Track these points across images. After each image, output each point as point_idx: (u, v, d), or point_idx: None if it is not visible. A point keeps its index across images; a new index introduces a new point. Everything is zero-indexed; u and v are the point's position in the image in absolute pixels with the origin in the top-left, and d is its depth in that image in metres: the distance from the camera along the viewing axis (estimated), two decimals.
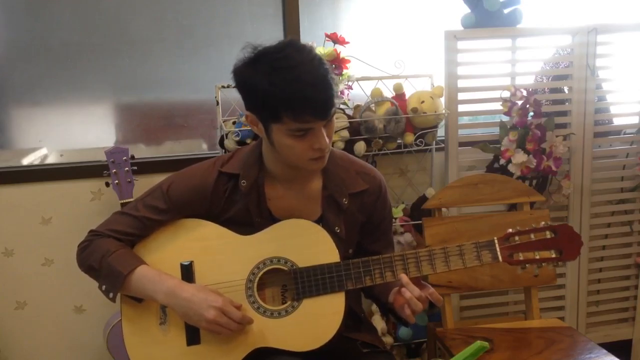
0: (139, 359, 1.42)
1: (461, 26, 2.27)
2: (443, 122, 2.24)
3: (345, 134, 2.11)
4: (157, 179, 1.54)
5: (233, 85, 1.35)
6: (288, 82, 1.23)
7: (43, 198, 2.18)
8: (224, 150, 2.08)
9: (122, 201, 2.03)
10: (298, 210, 1.46)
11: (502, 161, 2.20)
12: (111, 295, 1.40)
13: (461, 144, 2.31)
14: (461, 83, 2.27)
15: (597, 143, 2.43)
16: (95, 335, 2.26)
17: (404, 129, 2.17)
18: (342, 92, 2.13)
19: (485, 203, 2.02)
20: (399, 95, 2.20)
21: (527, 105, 2.17)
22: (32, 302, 2.25)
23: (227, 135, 2.05)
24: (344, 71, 2.10)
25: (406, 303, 1.34)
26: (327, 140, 1.32)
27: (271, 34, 2.30)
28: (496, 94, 2.25)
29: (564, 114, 2.36)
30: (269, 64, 1.26)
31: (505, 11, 2.25)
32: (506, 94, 2.21)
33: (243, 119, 1.85)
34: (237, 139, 2.03)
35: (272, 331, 1.38)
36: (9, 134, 2.26)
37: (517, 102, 2.18)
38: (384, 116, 2.12)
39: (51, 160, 2.28)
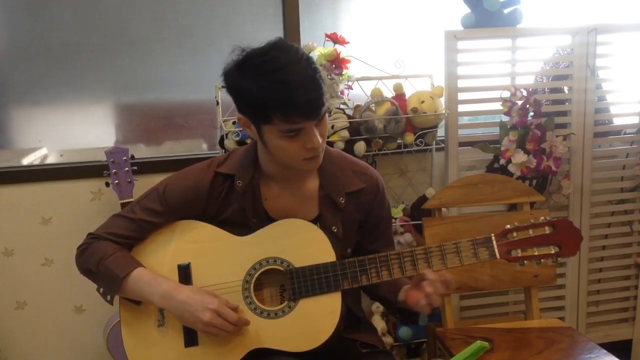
0: None
1: (461, 26, 2.27)
2: (443, 122, 2.24)
3: (345, 134, 2.11)
4: (157, 179, 1.54)
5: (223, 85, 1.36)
6: (275, 84, 1.23)
7: (43, 198, 2.19)
8: (224, 150, 2.08)
9: (122, 201, 2.03)
10: (294, 210, 1.46)
11: (502, 161, 2.20)
12: (109, 297, 1.41)
13: (461, 144, 2.31)
14: (461, 83, 2.27)
15: (597, 143, 2.42)
16: (95, 335, 2.26)
17: (404, 129, 2.17)
18: (342, 92, 2.13)
19: (485, 203, 2.01)
20: (399, 95, 2.20)
21: (527, 105, 2.17)
22: (32, 302, 2.25)
23: (227, 135, 2.05)
24: (344, 71, 2.10)
25: (424, 296, 1.34)
26: (320, 139, 1.31)
27: (271, 34, 2.27)
28: (496, 94, 2.25)
29: (564, 114, 2.36)
30: (255, 67, 1.26)
31: (505, 11, 2.25)
32: (506, 94, 2.20)
33: None
34: (237, 139, 2.03)
35: (270, 332, 1.38)
36: (9, 134, 2.27)
37: (517, 102, 2.18)
38: (384, 116, 2.12)
39: (51, 160, 2.28)
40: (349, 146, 2.13)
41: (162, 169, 2.13)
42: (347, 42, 2.12)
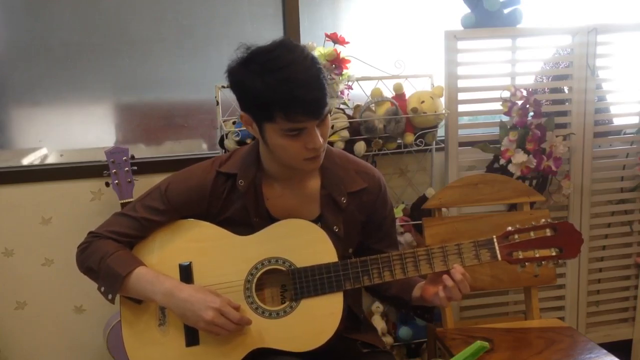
0: None
1: (461, 26, 2.27)
2: (443, 122, 2.24)
3: (345, 134, 2.11)
4: (157, 179, 1.54)
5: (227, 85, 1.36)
6: (279, 82, 1.23)
7: (43, 198, 2.18)
8: (224, 150, 2.08)
9: (122, 201, 2.03)
10: (296, 209, 1.46)
11: (502, 161, 2.20)
12: (110, 296, 1.41)
13: (461, 144, 2.31)
14: (461, 83, 2.27)
15: (597, 143, 2.43)
16: (95, 335, 2.26)
17: (404, 129, 2.17)
18: (342, 92, 2.13)
19: (485, 203, 2.01)
20: (399, 95, 2.20)
21: (527, 105, 2.17)
22: (32, 302, 2.25)
23: (227, 135, 2.05)
24: (344, 71, 2.10)
25: (443, 288, 1.35)
26: (322, 140, 1.31)
27: (271, 34, 2.28)
28: (496, 94, 2.25)
29: (564, 114, 2.36)
30: (260, 64, 1.26)
31: (505, 11, 2.25)
32: (506, 94, 2.21)
33: None
34: (237, 139, 2.03)
35: (271, 332, 1.38)
36: (9, 134, 2.27)
37: (517, 102, 2.18)
38: (384, 116, 2.12)
39: (51, 160, 2.28)
40: (349, 146, 2.13)
41: (162, 169, 2.13)
42: (347, 42, 2.12)
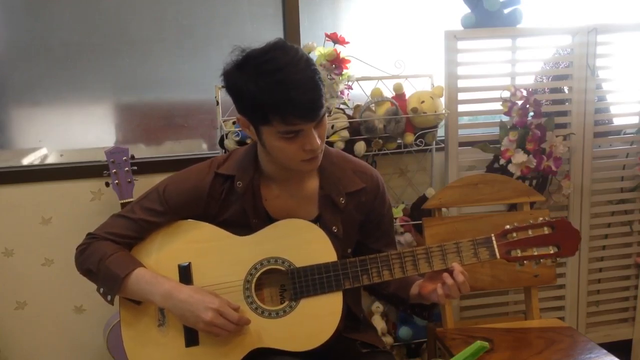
0: None
1: (461, 26, 2.27)
2: (443, 122, 2.24)
3: (345, 134, 2.11)
4: (157, 179, 1.54)
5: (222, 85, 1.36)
6: (274, 84, 1.23)
7: (43, 198, 2.18)
8: (224, 150, 2.08)
9: (122, 201, 2.03)
10: (294, 210, 1.45)
11: (502, 161, 2.20)
12: (109, 298, 1.41)
13: (461, 144, 2.31)
14: (461, 83, 2.27)
15: (597, 143, 2.43)
16: (95, 335, 2.26)
17: (404, 129, 2.17)
18: (342, 92, 2.13)
19: (485, 203, 2.01)
20: (399, 95, 2.20)
21: (527, 105, 2.17)
22: (32, 302, 2.25)
23: (227, 135, 2.05)
24: (344, 71, 2.10)
25: (442, 285, 1.35)
26: (319, 141, 1.31)
27: (271, 34, 2.28)
28: (496, 94, 2.25)
29: (564, 114, 2.36)
30: (254, 67, 1.26)
31: (505, 11, 2.25)
32: (506, 94, 2.20)
33: None
34: (237, 139, 2.03)
35: (271, 332, 1.38)
36: (9, 134, 2.27)
37: (517, 102, 2.18)
38: (384, 116, 2.12)
39: (51, 160, 2.28)
40: (349, 146, 2.13)
41: (162, 169, 2.13)
42: (347, 42, 2.12)
